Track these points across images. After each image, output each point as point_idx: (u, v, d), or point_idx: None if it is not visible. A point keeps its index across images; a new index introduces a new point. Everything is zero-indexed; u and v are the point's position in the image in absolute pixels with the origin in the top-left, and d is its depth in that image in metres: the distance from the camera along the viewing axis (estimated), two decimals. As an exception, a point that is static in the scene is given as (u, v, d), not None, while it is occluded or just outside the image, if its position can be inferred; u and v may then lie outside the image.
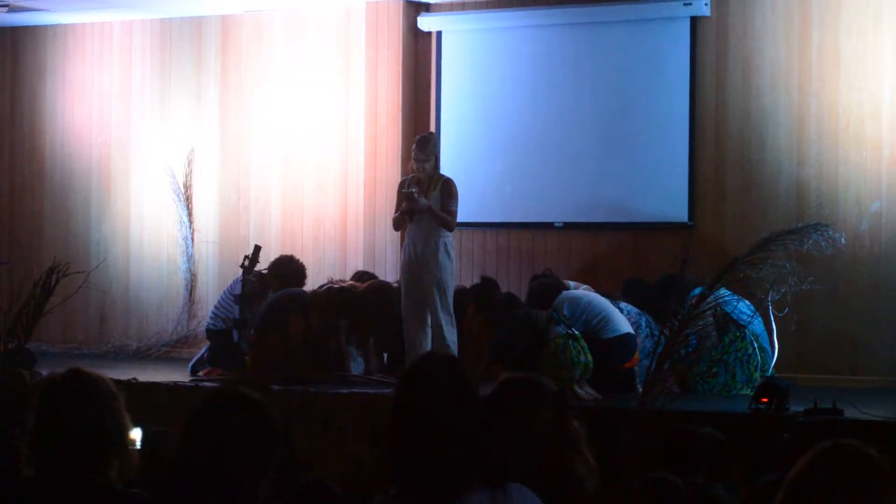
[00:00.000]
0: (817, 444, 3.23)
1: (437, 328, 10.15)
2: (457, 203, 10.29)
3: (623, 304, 10.60)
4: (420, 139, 10.52)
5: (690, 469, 6.65)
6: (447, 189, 10.27)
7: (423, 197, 10.14)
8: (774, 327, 10.53)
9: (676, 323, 8.51)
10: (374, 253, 12.75)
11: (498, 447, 3.79)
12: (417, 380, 3.72)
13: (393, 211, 11.82)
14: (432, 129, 12.50)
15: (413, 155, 10.41)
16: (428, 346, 10.14)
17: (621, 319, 10.22)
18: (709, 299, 8.84)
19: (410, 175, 10.37)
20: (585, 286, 10.94)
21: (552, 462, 3.92)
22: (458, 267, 11.40)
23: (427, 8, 12.89)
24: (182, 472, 3.29)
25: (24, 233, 14.49)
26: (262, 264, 11.20)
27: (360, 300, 10.74)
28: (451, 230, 10.30)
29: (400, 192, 10.36)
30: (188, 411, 3.42)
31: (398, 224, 10.47)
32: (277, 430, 3.36)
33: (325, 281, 11.36)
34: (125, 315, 13.96)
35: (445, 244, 10.22)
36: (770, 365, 10.44)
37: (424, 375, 3.71)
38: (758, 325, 10.39)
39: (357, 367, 10.83)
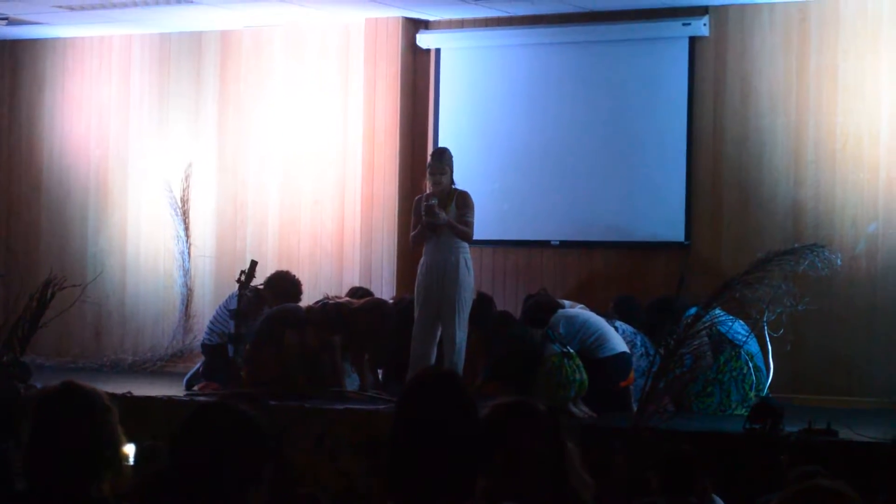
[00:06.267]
0: (786, 486, 3.22)
1: (450, 343, 10.10)
2: (473, 214, 10.23)
3: (618, 323, 10.60)
4: (436, 152, 10.51)
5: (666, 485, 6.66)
6: (463, 201, 10.22)
7: (442, 211, 10.14)
8: (770, 347, 10.53)
9: (671, 342, 8.52)
10: (371, 269, 12.74)
11: (494, 469, 3.78)
12: (418, 395, 3.71)
13: (395, 227, 11.80)
14: (429, 146, 12.51)
15: (429, 169, 10.34)
16: (433, 362, 10.13)
17: (617, 338, 10.22)
18: (704, 319, 8.85)
19: (426, 192, 10.32)
20: (581, 305, 10.94)
21: (549, 482, 3.91)
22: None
23: (426, 25, 12.90)
24: (171, 485, 3.28)
25: (21, 245, 14.49)
26: (259, 279, 11.20)
27: (355, 316, 10.73)
28: (469, 241, 10.25)
29: (417, 209, 10.29)
30: (178, 424, 3.40)
31: (418, 240, 10.36)
32: (267, 443, 3.33)
33: (321, 297, 11.35)
34: (121, 329, 13.95)
35: (466, 260, 10.17)
36: (765, 385, 10.45)
37: (425, 391, 3.71)
38: (753, 345, 10.40)
39: (352, 383, 10.82)
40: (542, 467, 3.92)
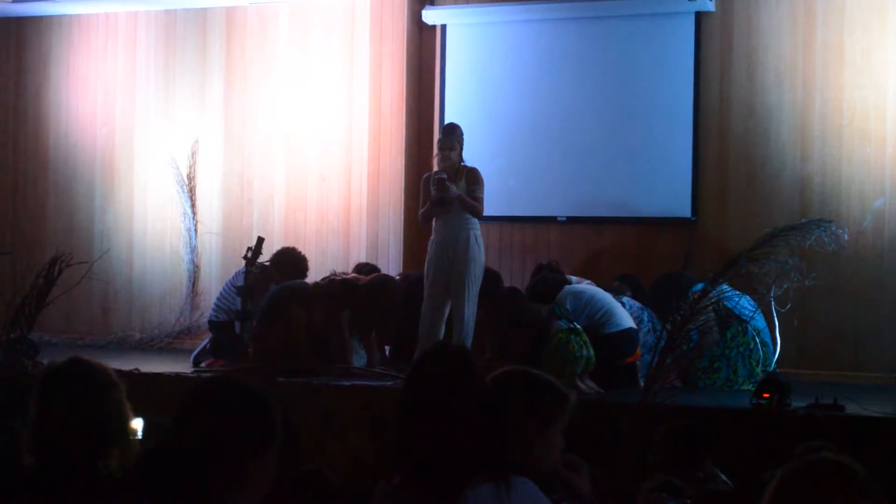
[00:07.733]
0: (792, 460, 3.21)
1: (459, 319, 10.08)
2: (483, 190, 10.16)
3: (626, 299, 10.60)
4: (447, 127, 10.44)
5: (665, 461, 6.65)
6: (473, 177, 10.16)
7: (452, 185, 10.10)
8: (777, 323, 10.54)
9: (678, 318, 8.51)
10: (377, 245, 12.75)
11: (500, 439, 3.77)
12: (427, 370, 3.71)
13: (401, 203, 11.78)
14: (436, 122, 12.51)
15: (438, 144, 10.30)
16: (441, 338, 10.12)
17: (624, 314, 10.22)
18: (711, 295, 8.83)
19: (434, 170, 10.28)
20: (588, 281, 10.94)
21: (535, 467, 3.88)
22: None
23: (432, 1, 12.88)
24: (172, 458, 3.25)
25: (28, 223, 14.49)
26: (265, 256, 11.20)
27: (362, 292, 10.72)
28: (479, 217, 10.18)
29: (426, 186, 10.25)
30: (181, 398, 3.38)
31: (426, 217, 10.31)
32: (273, 418, 3.31)
33: (328, 273, 11.35)
34: (128, 306, 13.97)
35: (476, 236, 10.12)
36: (772, 360, 10.45)
37: (435, 366, 3.70)
38: (760, 320, 10.40)
39: (359, 359, 10.82)
40: (527, 440, 3.90)
